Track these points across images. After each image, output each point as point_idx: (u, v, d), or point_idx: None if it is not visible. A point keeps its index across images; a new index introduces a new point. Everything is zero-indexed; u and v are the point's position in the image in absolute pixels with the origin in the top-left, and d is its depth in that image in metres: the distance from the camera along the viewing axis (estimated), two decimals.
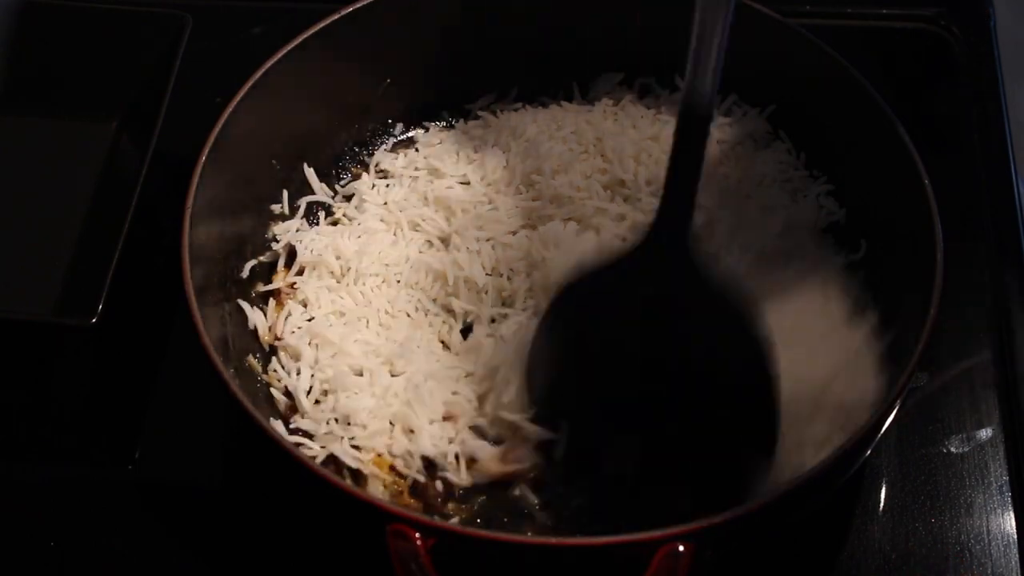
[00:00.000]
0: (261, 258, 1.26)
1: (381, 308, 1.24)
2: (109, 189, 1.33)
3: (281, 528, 1.16)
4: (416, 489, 1.15)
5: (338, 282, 1.25)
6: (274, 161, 1.29)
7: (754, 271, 1.19)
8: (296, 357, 1.20)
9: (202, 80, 1.36)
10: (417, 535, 0.98)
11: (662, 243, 1.07)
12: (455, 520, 1.13)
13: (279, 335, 1.22)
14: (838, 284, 1.20)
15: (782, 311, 1.14)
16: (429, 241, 1.28)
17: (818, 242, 1.26)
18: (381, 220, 1.29)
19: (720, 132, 1.31)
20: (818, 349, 1.14)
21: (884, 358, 1.14)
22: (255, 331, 1.22)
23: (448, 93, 1.37)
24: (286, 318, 1.23)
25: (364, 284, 1.25)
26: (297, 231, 1.28)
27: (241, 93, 1.21)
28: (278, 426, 1.15)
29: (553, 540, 1.05)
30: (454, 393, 1.18)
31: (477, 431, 1.17)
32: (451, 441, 1.16)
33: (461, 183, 1.32)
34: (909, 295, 1.16)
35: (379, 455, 1.15)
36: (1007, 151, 1.38)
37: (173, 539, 1.17)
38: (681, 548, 0.97)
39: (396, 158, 1.35)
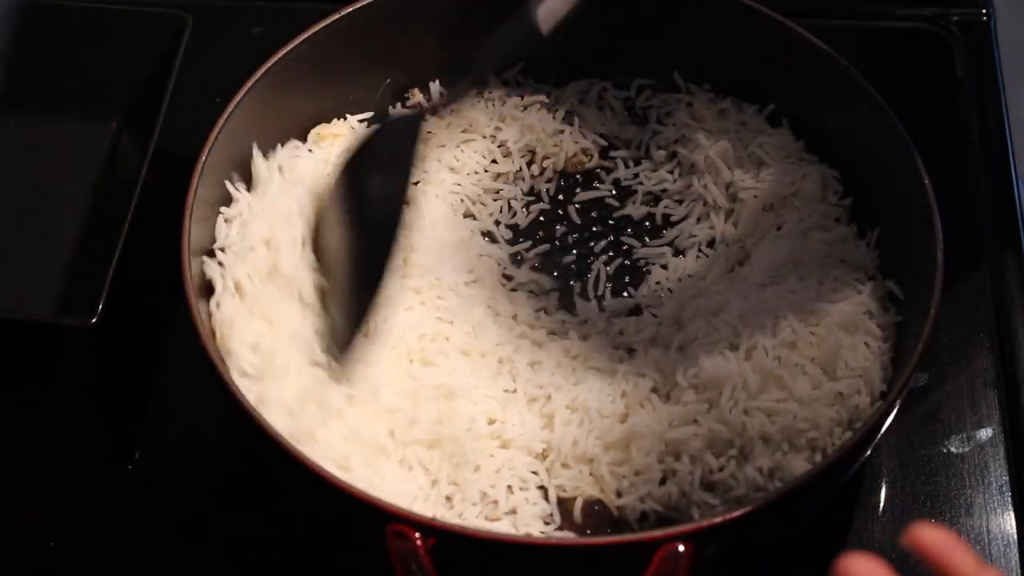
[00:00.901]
0: None
1: None
2: (109, 189, 1.33)
3: (281, 528, 1.16)
4: None
5: None
6: None
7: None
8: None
9: (202, 80, 1.36)
10: (417, 535, 0.98)
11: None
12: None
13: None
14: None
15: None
16: None
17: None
18: None
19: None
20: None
21: (885, 358, 1.15)
22: None
23: None
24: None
25: None
26: None
27: (241, 93, 1.21)
28: None
29: (553, 540, 1.05)
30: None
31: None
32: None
33: None
34: (909, 295, 1.16)
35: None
36: (1007, 151, 1.37)
37: (173, 539, 1.17)
38: (681, 548, 0.97)
39: None
